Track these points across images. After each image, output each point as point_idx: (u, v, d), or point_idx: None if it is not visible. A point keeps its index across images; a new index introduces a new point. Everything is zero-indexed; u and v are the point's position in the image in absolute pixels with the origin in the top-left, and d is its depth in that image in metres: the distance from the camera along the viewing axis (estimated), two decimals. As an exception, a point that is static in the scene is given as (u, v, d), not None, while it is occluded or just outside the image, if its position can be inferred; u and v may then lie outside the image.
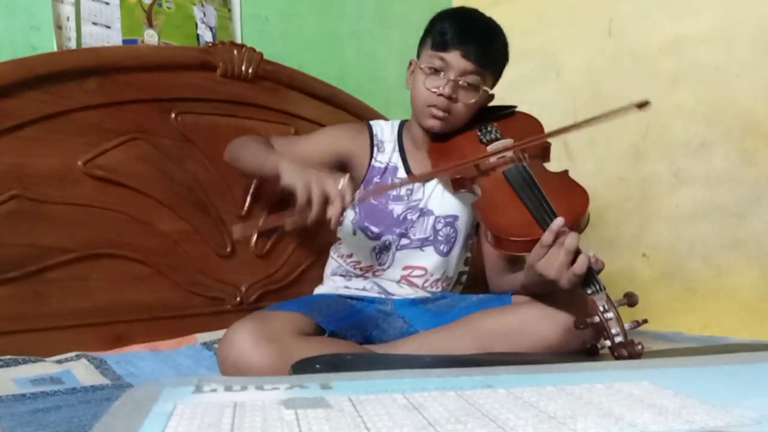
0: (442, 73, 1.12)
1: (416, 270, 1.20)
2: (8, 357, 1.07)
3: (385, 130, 1.25)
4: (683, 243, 1.58)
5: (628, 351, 0.84)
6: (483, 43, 1.12)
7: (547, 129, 1.18)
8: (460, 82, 1.12)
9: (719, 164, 1.52)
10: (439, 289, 1.22)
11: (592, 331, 0.97)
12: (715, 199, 1.53)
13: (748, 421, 0.51)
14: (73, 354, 1.13)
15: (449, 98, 1.11)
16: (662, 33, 1.61)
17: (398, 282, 1.19)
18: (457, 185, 1.14)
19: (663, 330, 1.45)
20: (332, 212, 0.91)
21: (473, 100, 1.14)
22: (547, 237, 0.91)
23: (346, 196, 0.92)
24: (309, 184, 0.93)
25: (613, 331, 0.86)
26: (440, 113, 1.13)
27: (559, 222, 0.91)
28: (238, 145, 1.24)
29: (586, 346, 1.01)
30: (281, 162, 1.01)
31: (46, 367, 1.06)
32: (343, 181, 0.93)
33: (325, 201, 0.92)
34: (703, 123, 1.55)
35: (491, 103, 1.24)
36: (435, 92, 1.11)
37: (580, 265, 0.90)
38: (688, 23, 1.57)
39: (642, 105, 1.05)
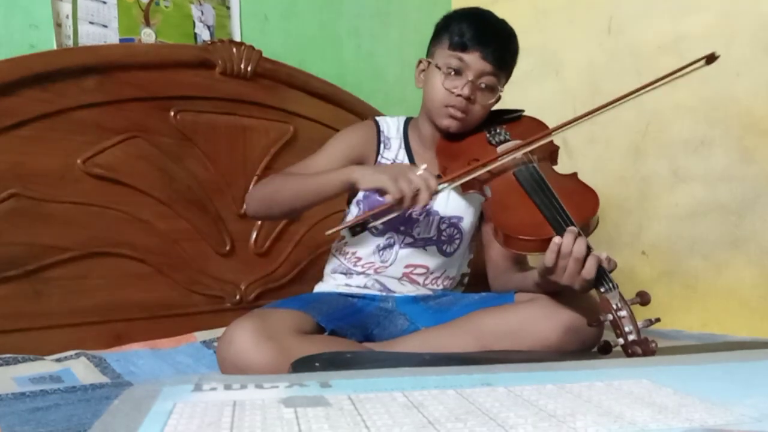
0: (461, 74, 1.12)
1: (418, 268, 1.19)
2: (8, 355, 1.07)
3: (392, 127, 1.25)
4: (683, 241, 1.58)
5: (642, 349, 0.84)
6: (501, 46, 1.14)
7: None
8: (479, 84, 1.12)
9: (719, 162, 1.52)
10: (441, 287, 1.22)
11: (594, 330, 0.98)
12: (715, 198, 1.53)
13: (748, 420, 0.51)
14: (72, 352, 1.13)
15: (467, 99, 1.11)
16: (662, 31, 1.61)
17: (399, 279, 1.19)
18: (466, 186, 1.13)
19: (663, 328, 1.45)
20: (422, 200, 0.97)
21: (490, 102, 1.15)
22: (549, 258, 0.92)
23: (431, 182, 0.97)
24: (396, 179, 0.96)
25: (627, 329, 0.87)
26: (458, 114, 1.13)
27: (556, 242, 0.92)
28: (267, 191, 1.16)
29: (585, 345, 1.01)
30: (354, 171, 1.04)
31: (46, 366, 1.06)
32: (423, 169, 0.98)
33: (414, 190, 0.96)
34: (703, 121, 1.55)
35: (498, 106, 1.25)
36: (453, 92, 1.11)
37: (588, 271, 0.90)
38: (687, 21, 1.56)
39: (711, 58, 1.06)
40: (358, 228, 1.03)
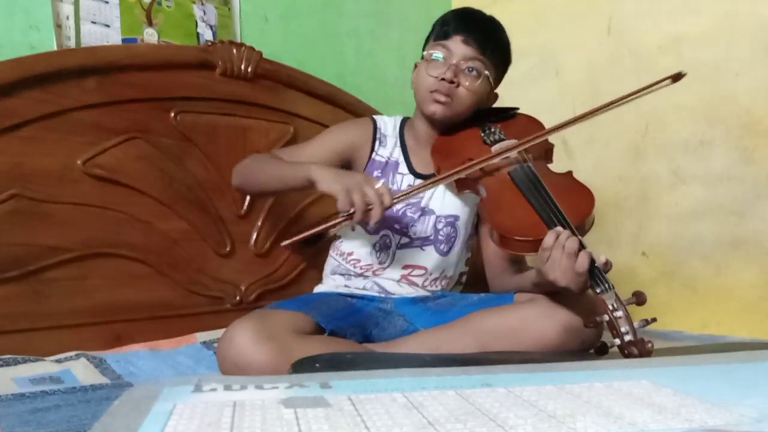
0: (445, 60, 1.14)
1: (416, 269, 1.20)
2: (8, 356, 1.07)
3: (388, 125, 1.26)
4: (683, 241, 1.58)
5: (638, 349, 0.84)
6: (483, 31, 1.16)
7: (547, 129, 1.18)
8: (462, 67, 1.13)
9: (719, 163, 1.52)
10: (439, 288, 1.22)
11: (595, 330, 0.98)
12: (715, 198, 1.53)
13: (748, 420, 0.51)
14: (72, 353, 1.13)
15: (451, 82, 1.12)
16: (662, 31, 1.61)
17: (398, 281, 1.19)
18: (461, 186, 1.14)
19: (662, 328, 1.45)
20: (374, 216, 0.95)
21: (476, 86, 1.15)
22: (541, 254, 0.94)
23: (385, 199, 0.96)
24: (349, 190, 0.96)
25: (623, 329, 0.87)
26: (442, 98, 1.14)
27: (549, 240, 0.92)
28: (248, 167, 1.21)
29: (585, 345, 1.01)
30: (313, 170, 1.04)
31: (46, 367, 1.06)
32: (380, 184, 0.97)
33: (366, 204, 0.95)
34: (703, 121, 1.55)
35: (497, 106, 1.25)
36: (437, 78, 1.13)
37: (581, 263, 0.90)
38: (687, 22, 1.56)
39: (678, 77, 1.07)
40: (314, 240, 1.01)
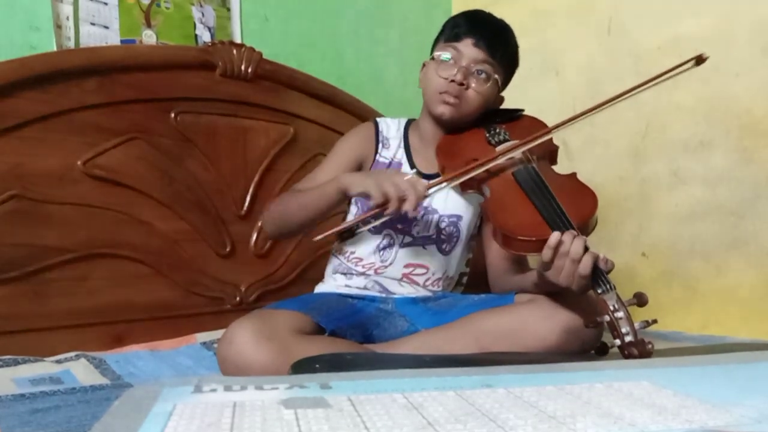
0: (455, 62, 1.14)
1: (418, 268, 1.20)
2: (8, 357, 1.07)
3: (391, 127, 1.26)
4: (683, 242, 1.58)
5: (639, 350, 0.84)
6: (494, 34, 1.17)
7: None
8: (472, 70, 1.14)
9: (718, 163, 1.52)
10: (440, 288, 1.22)
11: (594, 331, 0.98)
12: (715, 198, 1.53)
13: (748, 421, 0.51)
14: (72, 354, 1.13)
15: (461, 84, 1.13)
16: (662, 31, 1.61)
17: (399, 280, 1.19)
18: (465, 186, 1.14)
19: (662, 329, 1.45)
20: (409, 203, 0.97)
21: (484, 89, 1.16)
22: (546, 253, 0.93)
23: (418, 187, 0.98)
24: (380, 183, 0.98)
25: (623, 330, 0.87)
26: (451, 99, 1.14)
27: (555, 237, 0.92)
28: (278, 212, 1.16)
29: (585, 346, 1.01)
30: (341, 179, 1.06)
31: (46, 367, 1.06)
32: (411, 174, 1.00)
33: (400, 194, 0.97)
34: (703, 122, 1.55)
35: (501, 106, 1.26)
36: (447, 79, 1.13)
37: (584, 266, 0.91)
38: (687, 22, 1.57)
39: (700, 60, 1.09)
40: (347, 234, 1.02)
